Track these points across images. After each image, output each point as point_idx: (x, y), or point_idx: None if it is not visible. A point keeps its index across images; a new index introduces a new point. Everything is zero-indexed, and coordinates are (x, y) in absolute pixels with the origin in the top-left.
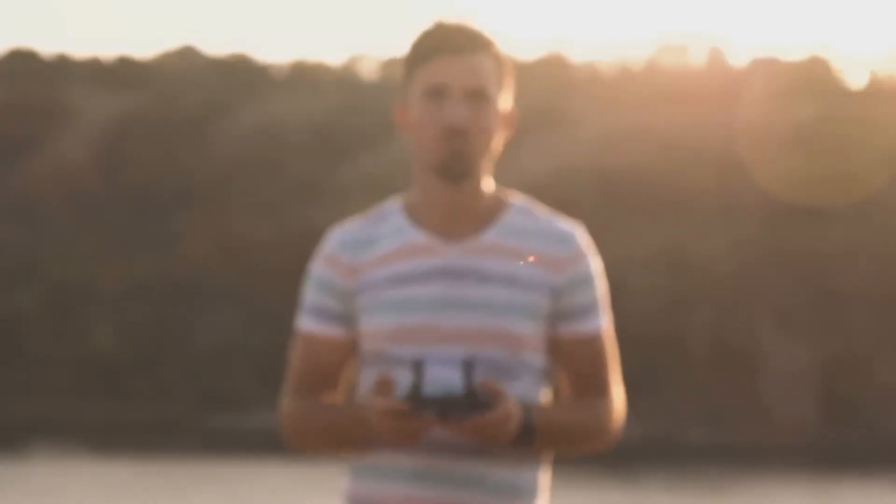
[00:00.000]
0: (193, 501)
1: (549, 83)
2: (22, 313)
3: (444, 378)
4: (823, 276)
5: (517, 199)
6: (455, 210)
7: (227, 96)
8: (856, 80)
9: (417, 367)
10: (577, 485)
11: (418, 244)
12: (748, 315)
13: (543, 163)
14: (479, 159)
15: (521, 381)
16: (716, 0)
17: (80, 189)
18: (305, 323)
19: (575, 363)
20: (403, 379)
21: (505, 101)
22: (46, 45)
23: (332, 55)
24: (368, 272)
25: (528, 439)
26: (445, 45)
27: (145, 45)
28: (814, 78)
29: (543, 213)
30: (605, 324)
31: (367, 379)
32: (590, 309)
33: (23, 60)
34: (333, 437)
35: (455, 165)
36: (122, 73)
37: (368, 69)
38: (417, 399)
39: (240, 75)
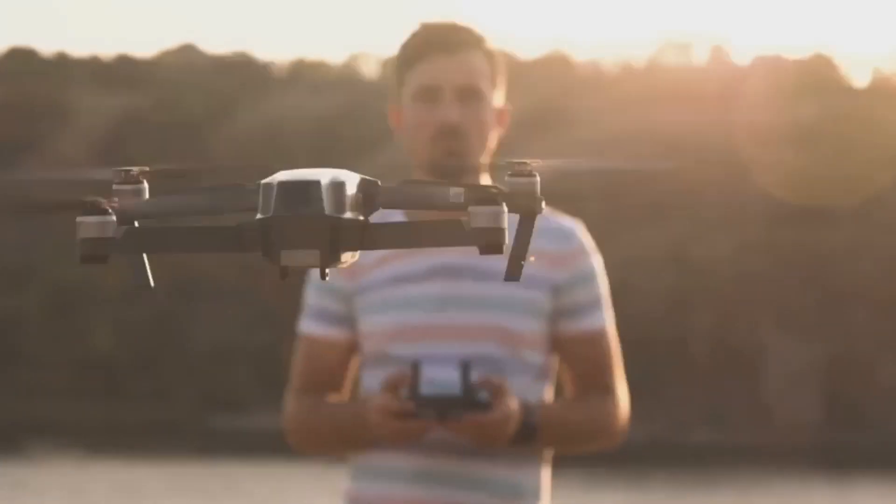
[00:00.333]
0: (193, 501)
1: (551, 82)
2: (22, 314)
3: (442, 378)
4: (827, 277)
5: None
6: None
7: (228, 95)
8: (860, 78)
9: (414, 367)
10: (579, 486)
11: None
12: (751, 315)
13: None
14: (474, 157)
15: (520, 378)
16: None
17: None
18: (307, 325)
19: (578, 361)
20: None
21: (499, 98)
22: (46, 44)
23: (332, 53)
24: (368, 273)
25: (530, 438)
26: (435, 45)
27: (145, 43)
28: (817, 76)
29: (544, 210)
30: (607, 321)
31: (368, 380)
32: (592, 306)
33: (22, 59)
34: (336, 436)
35: (450, 164)
36: (122, 71)
37: (369, 67)
38: (416, 399)
39: (240, 74)
